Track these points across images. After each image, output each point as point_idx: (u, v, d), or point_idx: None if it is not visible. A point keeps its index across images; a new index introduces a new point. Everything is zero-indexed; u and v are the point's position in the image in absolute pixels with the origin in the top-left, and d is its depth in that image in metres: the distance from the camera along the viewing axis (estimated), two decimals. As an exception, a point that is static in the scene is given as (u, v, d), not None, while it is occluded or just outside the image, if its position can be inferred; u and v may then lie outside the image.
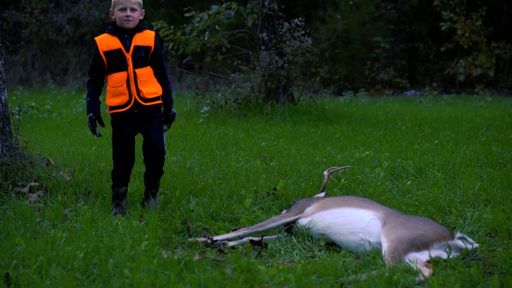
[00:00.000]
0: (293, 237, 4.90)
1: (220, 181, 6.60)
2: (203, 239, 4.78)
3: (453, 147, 8.45)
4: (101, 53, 5.45)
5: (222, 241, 4.76)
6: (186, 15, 12.68)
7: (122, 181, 5.64)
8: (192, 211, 5.49)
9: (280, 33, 13.27)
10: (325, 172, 5.83)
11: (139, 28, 5.54)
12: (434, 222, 4.52)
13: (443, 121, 11.98)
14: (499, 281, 3.67)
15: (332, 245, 4.71)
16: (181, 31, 12.76)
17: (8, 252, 4.24)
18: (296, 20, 13.25)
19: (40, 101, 15.57)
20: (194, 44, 12.59)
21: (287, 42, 13.03)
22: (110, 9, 5.57)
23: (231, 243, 4.76)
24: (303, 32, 13.22)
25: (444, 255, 4.22)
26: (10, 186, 6.08)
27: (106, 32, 5.55)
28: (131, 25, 5.47)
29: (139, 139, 5.64)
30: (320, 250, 4.64)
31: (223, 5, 12.42)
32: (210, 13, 12.35)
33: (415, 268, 3.94)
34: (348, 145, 8.83)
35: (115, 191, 5.64)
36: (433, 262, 4.10)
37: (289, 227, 4.99)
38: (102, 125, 5.65)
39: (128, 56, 5.44)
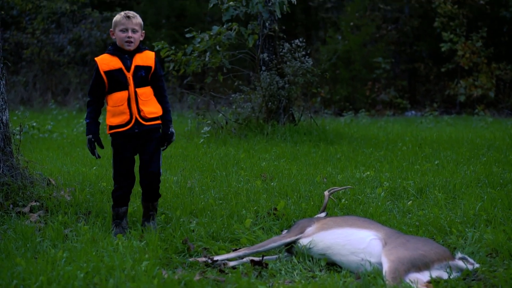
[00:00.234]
0: (293, 257, 4.89)
1: (220, 201, 6.59)
2: (204, 259, 4.78)
3: (453, 168, 8.45)
4: (102, 73, 5.46)
5: (223, 261, 4.75)
6: (187, 35, 12.73)
7: (123, 201, 5.64)
8: (193, 231, 5.48)
9: (281, 53, 13.32)
10: (326, 192, 5.83)
11: (139, 48, 5.57)
12: (435, 243, 4.52)
13: (444, 141, 11.98)
14: (500, 301, 3.66)
15: (332, 265, 4.70)
16: (182, 51, 12.81)
17: (8, 272, 4.24)
18: (297, 40, 13.30)
19: (41, 121, 15.59)
20: (195, 64, 12.63)
21: (288, 63, 13.07)
22: (111, 29, 5.60)
23: (231, 263, 4.75)
24: (303, 52, 13.26)
25: (445, 276, 4.21)
26: (11, 206, 6.07)
27: (106, 53, 5.57)
28: (132, 47, 5.50)
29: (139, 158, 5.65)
30: (320, 270, 4.63)
31: (224, 26, 12.47)
32: (211, 33, 12.40)
33: (416, 288, 3.93)
34: (348, 166, 8.83)
35: (115, 211, 5.64)
36: (434, 283, 4.10)
37: (290, 247, 4.98)
38: (101, 146, 5.65)
39: (129, 76, 5.46)
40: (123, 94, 5.46)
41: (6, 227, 5.56)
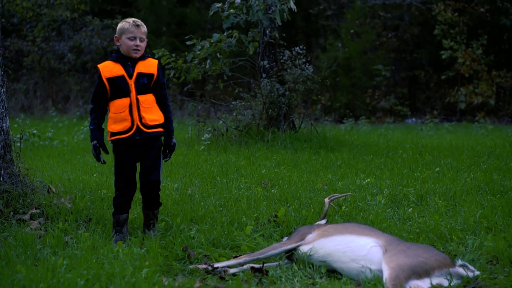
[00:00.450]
0: (294, 264, 4.89)
1: (221, 208, 6.59)
2: (204, 266, 4.77)
3: (454, 175, 8.45)
4: (104, 79, 5.46)
5: (223, 268, 4.75)
6: (188, 43, 12.74)
7: (123, 208, 5.64)
8: (193, 238, 5.48)
9: (281, 61, 13.34)
10: (326, 199, 5.83)
11: (143, 56, 5.58)
12: (435, 250, 4.52)
13: (444, 149, 11.98)
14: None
15: (333, 272, 4.70)
16: (182, 59, 12.82)
17: (9, 280, 4.23)
18: (297, 48, 13.32)
19: (41, 129, 15.60)
20: (196, 72, 12.64)
21: (288, 70, 13.09)
22: (116, 35, 5.59)
23: (232, 270, 4.75)
24: (304, 60, 13.29)
25: (445, 283, 4.21)
26: (11, 213, 6.08)
27: (109, 60, 5.58)
28: (139, 54, 5.52)
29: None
30: (321, 277, 4.63)
31: (225, 33, 12.48)
32: (212, 41, 12.41)
33: (416, 295, 3.93)
34: (349, 173, 8.83)
35: (116, 218, 5.63)
36: (435, 290, 4.10)
37: (290, 254, 4.98)
38: (106, 152, 5.66)
39: (131, 83, 5.46)
40: (124, 101, 5.46)
41: (7, 235, 5.56)
